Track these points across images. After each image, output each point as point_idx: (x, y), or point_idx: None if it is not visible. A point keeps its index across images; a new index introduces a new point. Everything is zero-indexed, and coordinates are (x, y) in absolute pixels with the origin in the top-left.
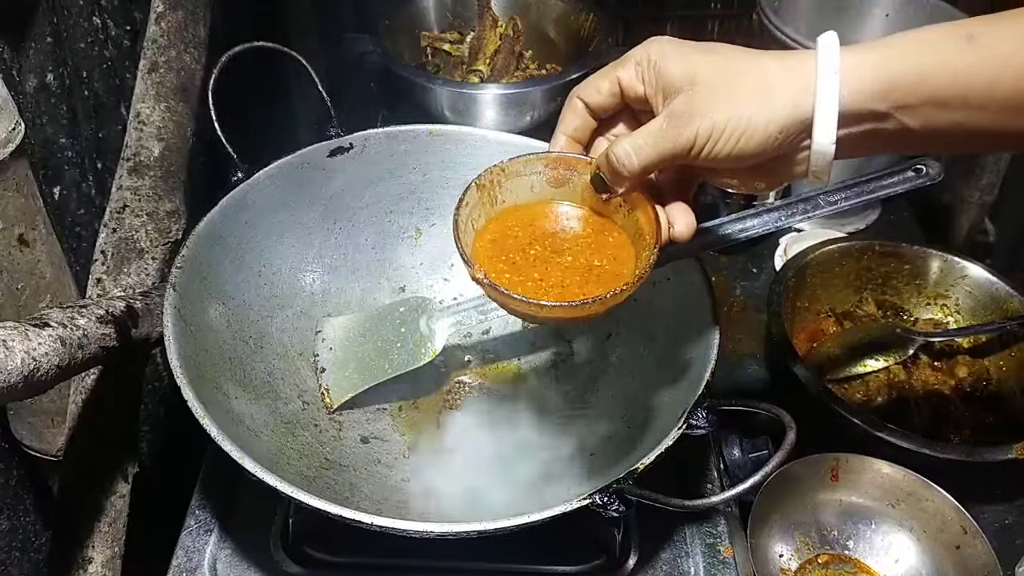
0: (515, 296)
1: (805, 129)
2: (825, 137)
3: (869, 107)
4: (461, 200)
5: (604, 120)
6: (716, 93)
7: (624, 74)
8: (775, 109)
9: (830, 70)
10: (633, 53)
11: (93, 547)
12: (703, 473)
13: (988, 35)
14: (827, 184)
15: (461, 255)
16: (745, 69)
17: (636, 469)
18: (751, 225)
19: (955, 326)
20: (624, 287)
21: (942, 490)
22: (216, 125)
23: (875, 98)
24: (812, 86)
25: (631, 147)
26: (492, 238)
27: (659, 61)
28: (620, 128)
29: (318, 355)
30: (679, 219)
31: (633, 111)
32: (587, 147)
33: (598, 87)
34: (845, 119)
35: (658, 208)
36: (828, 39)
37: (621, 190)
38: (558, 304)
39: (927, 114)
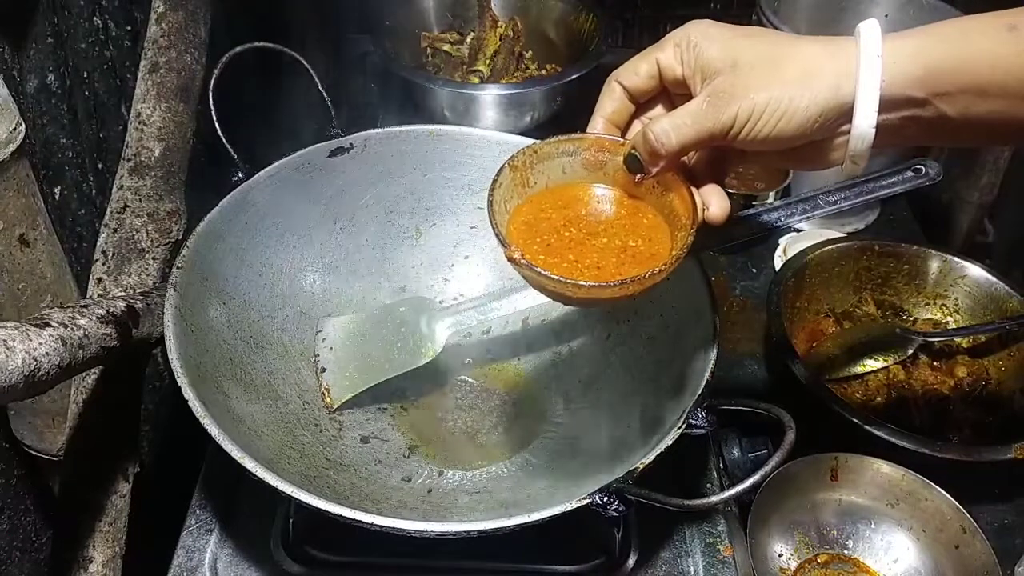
0: (552, 276)
1: (844, 113)
2: (865, 120)
3: (908, 93)
4: (495, 181)
5: (641, 104)
6: (757, 75)
7: (663, 56)
8: (816, 92)
9: (872, 54)
10: (672, 35)
11: (94, 546)
12: (702, 473)
13: None
14: (859, 172)
15: (496, 235)
16: (787, 52)
17: (636, 469)
18: (751, 225)
19: (954, 326)
20: (663, 267)
21: (941, 490)
22: (217, 125)
23: (915, 84)
24: (854, 70)
25: (670, 125)
26: (526, 220)
27: (700, 42)
28: (658, 111)
29: (318, 355)
30: (714, 201)
31: (670, 95)
32: (624, 131)
33: (636, 69)
34: (884, 104)
35: (692, 189)
36: (870, 25)
37: (655, 170)
38: (596, 284)
39: (966, 102)
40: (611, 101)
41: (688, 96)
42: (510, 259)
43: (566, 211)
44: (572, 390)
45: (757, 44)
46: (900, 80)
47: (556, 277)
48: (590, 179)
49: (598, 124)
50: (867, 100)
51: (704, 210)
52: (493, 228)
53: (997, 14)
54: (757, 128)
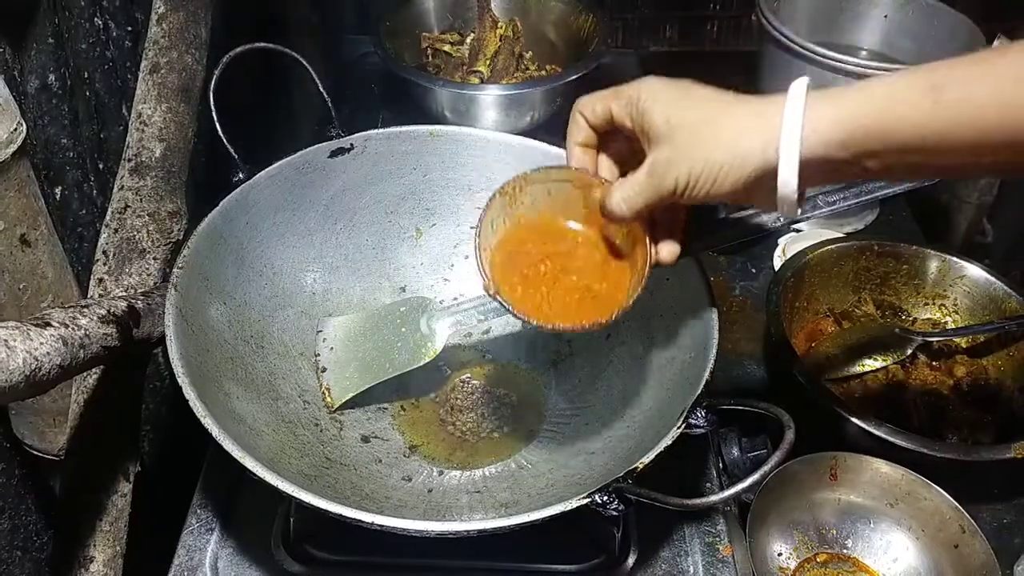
0: (518, 314)
1: (771, 173)
2: (788, 181)
3: (830, 155)
4: (484, 210)
5: (603, 134)
6: (694, 141)
7: (615, 107)
8: (745, 157)
9: (794, 123)
10: (627, 89)
11: (95, 546)
12: (702, 472)
13: (953, 85)
14: (798, 215)
15: (479, 269)
16: (719, 118)
17: (635, 468)
18: (750, 226)
19: (953, 326)
20: (605, 320)
21: (940, 489)
22: (217, 125)
23: (837, 147)
24: (776, 137)
25: (621, 197)
26: (508, 252)
27: (646, 104)
28: (619, 144)
29: (319, 355)
30: (663, 249)
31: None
32: (599, 150)
33: (594, 108)
34: (806, 166)
35: (648, 241)
36: (797, 89)
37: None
38: (552, 325)
39: (889, 159)
40: (578, 130)
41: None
42: (487, 292)
43: (544, 246)
44: (572, 390)
45: (696, 108)
46: (821, 146)
47: (520, 315)
48: (572, 208)
49: (573, 151)
50: (788, 164)
51: (656, 254)
52: (477, 262)
53: (926, 71)
54: (696, 189)
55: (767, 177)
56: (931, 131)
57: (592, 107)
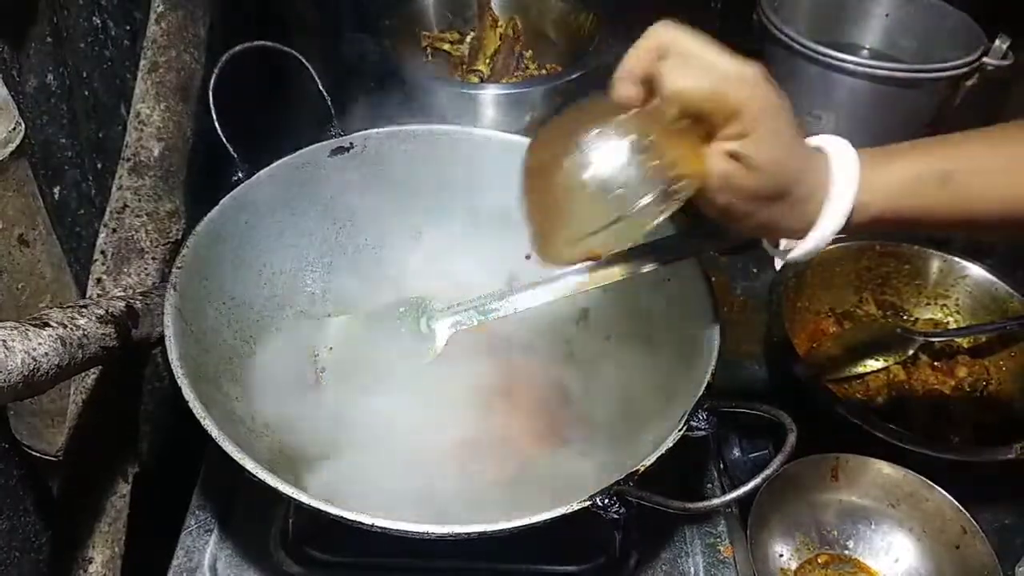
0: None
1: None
2: (808, 245)
3: (852, 224)
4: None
5: None
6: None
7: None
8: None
9: (841, 208)
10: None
11: (93, 547)
12: (703, 473)
13: (963, 172)
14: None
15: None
16: (804, 167)
17: (636, 471)
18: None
19: (955, 326)
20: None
21: (942, 490)
22: (216, 125)
23: (858, 220)
24: (821, 202)
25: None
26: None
27: (758, 125)
28: None
29: (318, 355)
30: None
31: None
32: None
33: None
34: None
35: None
36: (850, 171)
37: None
38: None
39: (896, 227)
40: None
41: None
42: None
43: None
44: (573, 391)
45: (797, 150)
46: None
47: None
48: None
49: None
50: (821, 231)
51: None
52: None
53: (939, 153)
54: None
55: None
56: (940, 215)
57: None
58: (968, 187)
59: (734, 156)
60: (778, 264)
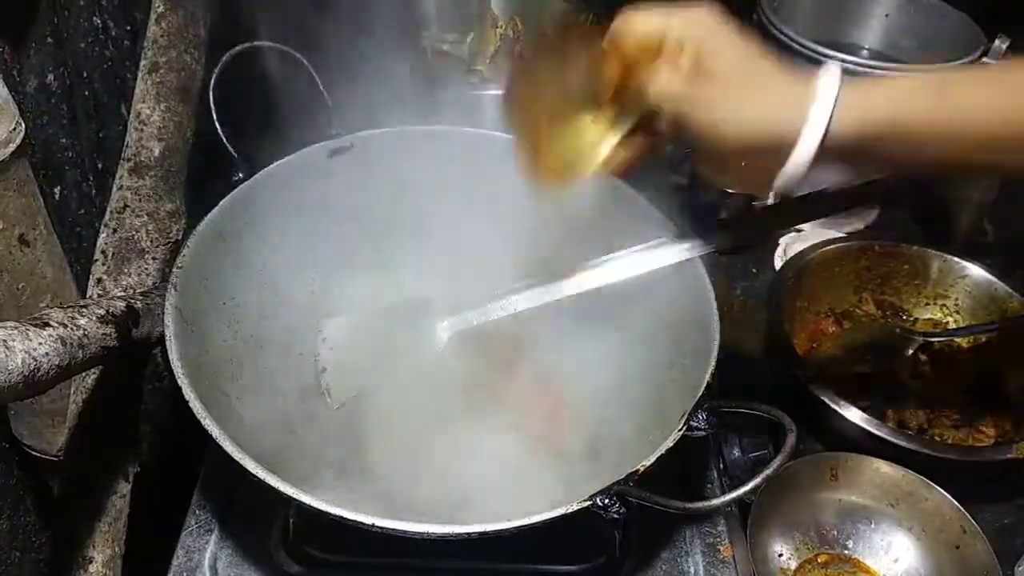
0: None
1: (784, 148)
2: (797, 166)
3: (845, 140)
4: None
5: None
6: (738, 92)
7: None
8: (767, 123)
9: (824, 109)
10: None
11: (94, 547)
12: (703, 473)
13: (958, 87)
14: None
15: None
16: (767, 81)
17: (636, 471)
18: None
19: (954, 326)
20: None
21: (941, 490)
22: (217, 125)
23: (852, 135)
24: (803, 119)
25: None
26: None
27: (712, 46)
28: None
29: (319, 355)
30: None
31: None
32: None
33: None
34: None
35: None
36: (832, 77)
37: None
38: None
39: (893, 147)
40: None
41: None
42: None
43: None
44: (572, 391)
45: (757, 60)
46: (840, 132)
47: None
48: None
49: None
50: (806, 145)
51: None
52: None
53: (936, 74)
54: (711, 129)
55: (779, 149)
56: (936, 124)
57: (646, 24)
58: (965, 97)
59: (693, 67)
60: (771, 200)
